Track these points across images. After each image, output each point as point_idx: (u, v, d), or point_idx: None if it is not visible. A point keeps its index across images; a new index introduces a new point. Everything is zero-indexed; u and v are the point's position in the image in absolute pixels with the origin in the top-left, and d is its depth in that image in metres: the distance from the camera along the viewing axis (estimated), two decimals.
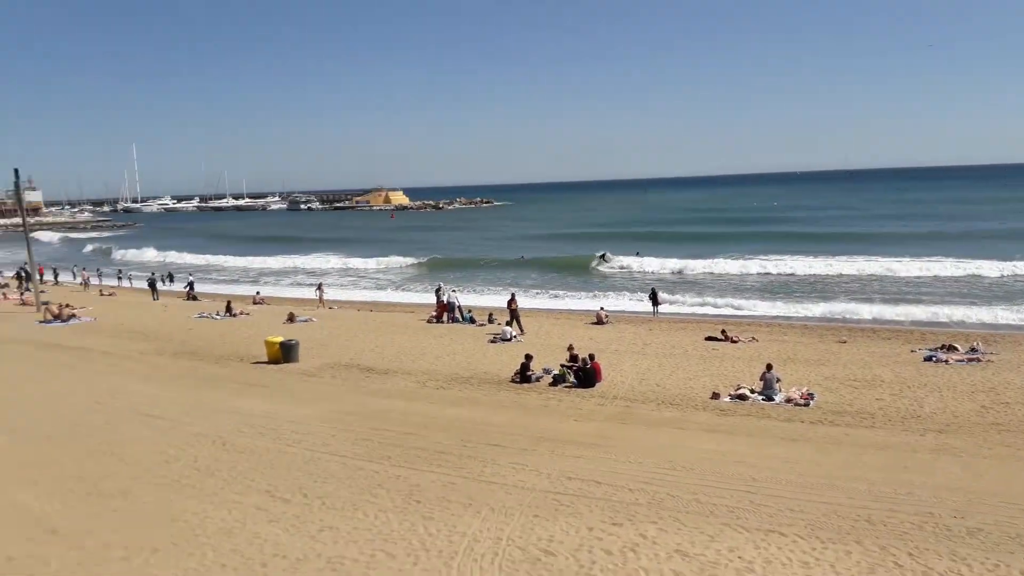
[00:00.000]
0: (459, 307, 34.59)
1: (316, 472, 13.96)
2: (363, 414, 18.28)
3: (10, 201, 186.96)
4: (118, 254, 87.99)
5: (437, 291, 38.02)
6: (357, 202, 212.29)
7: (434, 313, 34.64)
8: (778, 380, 19.63)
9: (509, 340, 28.05)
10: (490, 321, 32.75)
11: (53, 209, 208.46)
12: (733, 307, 37.74)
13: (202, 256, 78.80)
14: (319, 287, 42.86)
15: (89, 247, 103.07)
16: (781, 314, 35.30)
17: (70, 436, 16.54)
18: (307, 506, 12.29)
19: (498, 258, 66.13)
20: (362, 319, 35.50)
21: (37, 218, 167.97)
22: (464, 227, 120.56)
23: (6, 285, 51.20)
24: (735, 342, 27.13)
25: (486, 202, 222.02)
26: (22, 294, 44.86)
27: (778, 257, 55.73)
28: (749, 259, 55.12)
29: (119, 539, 11.15)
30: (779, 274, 49.45)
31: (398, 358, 25.56)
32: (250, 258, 74.01)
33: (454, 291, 37.31)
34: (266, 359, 25.36)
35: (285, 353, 25.12)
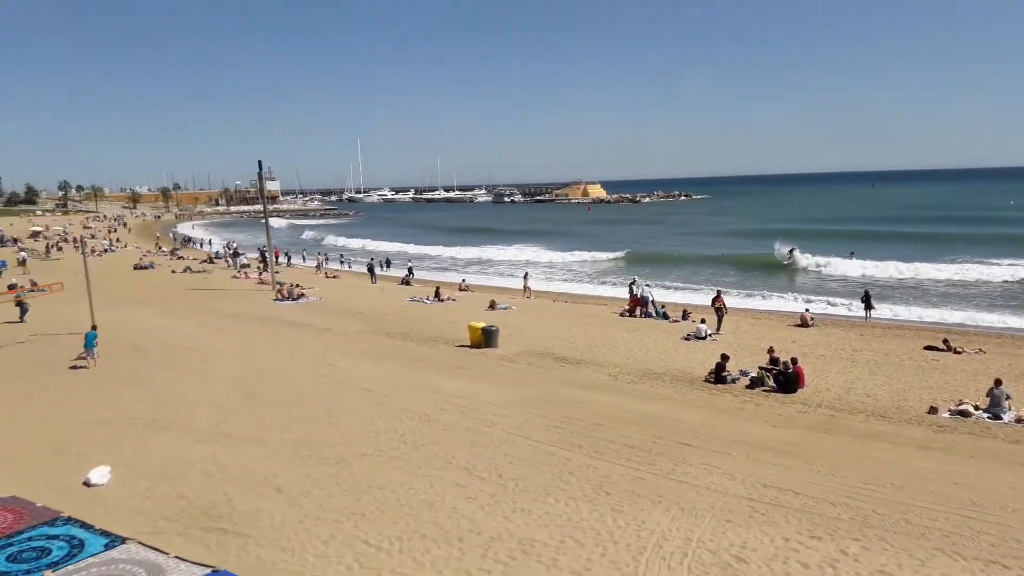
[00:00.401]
0: (653, 302, 34.11)
1: (511, 454, 14.36)
2: (556, 402, 18.56)
3: (253, 190, 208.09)
4: (335, 240, 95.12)
5: (631, 285, 37.73)
6: (556, 195, 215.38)
7: (627, 307, 34.41)
8: (1008, 397, 17.60)
9: (704, 338, 27.29)
10: (684, 318, 32.02)
11: (288, 197, 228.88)
12: (958, 315, 34.29)
13: (413, 245, 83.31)
14: (526, 276, 43.73)
15: (308, 233, 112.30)
16: (1014, 326, 31.58)
17: (295, 403, 18.15)
18: (502, 486, 12.68)
19: (695, 254, 64.53)
20: (558, 309, 36.00)
21: (274, 205, 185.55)
22: (659, 221, 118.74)
23: (247, 265, 56.98)
24: (959, 353, 24.64)
25: (684, 195, 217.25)
26: (260, 274, 49.73)
27: (1013, 261, 49.95)
28: (977, 263, 49.83)
29: (333, 502, 12.10)
30: (1014, 281, 44.15)
31: (591, 350, 25.66)
32: (457, 248, 77.26)
33: (648, 285, 36.86)
34: (469, 343, 26.41)
35: (486, 338, 26.03)
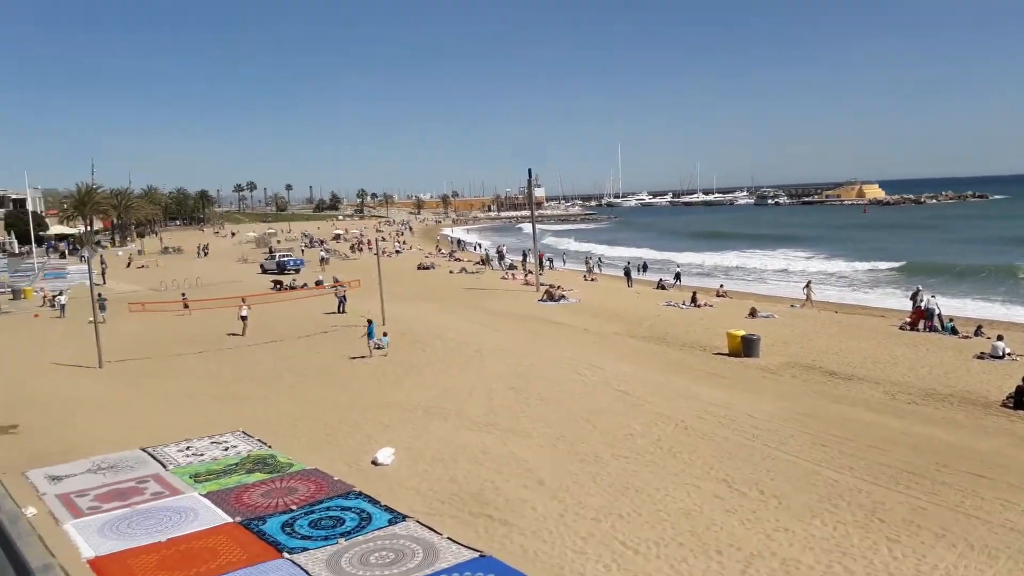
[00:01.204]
0: (939, 315, 30.58)
1: (773, 470, 13.65)
2: (823, 418, 17.32)
3: (521, 196, 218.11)
4: (594, 245, 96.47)
5: (914, 295, 34.14)
6: (827, 196, 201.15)
7: (908, 319, 31.17)
8: None
9: (1001, 358, 23.96)
10: (976, 333, 28.34)
11: (552, 203, 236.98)
12: None
13: (668, 251, 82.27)
14: (808, 285, 40.84)
15: (568, 237, 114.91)
16: None
17: (557, 400, 18.71)
18: (763, 503, 12.09)
19: (990, 263, 56.85)
20: (826, 320, 33.57)
21: (540, 211, 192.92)
22: (946, 225, 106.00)
23: (514, 267, 59.82)
24: None
25: (978, 196, 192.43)
26: (526, 276, 51.98)
27: None
28: None
29: (591, 500, 12.29)
30: None
31: (864, 364, 23.61)
32: (713, 253, 75.04)
33: (933, 297, 33.08)
34: (727, 351, 25.55)
35: (746, 347, 25.01)
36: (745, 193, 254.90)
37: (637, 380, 21.06)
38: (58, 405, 19.50)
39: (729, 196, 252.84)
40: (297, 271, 58.20)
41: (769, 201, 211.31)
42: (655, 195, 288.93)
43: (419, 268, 59.73)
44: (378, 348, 24.78)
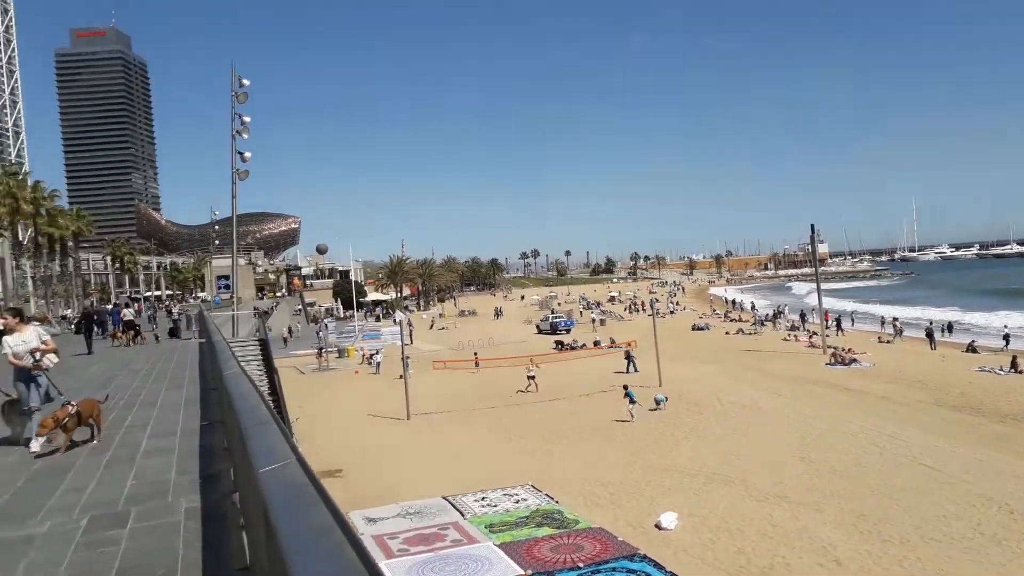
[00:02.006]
0: None
1: None
2: None
3: (801, 253, 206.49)
4: (884, 305, 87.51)
5: None
6: None
7: None
8: None
9: None
10: None
11: (836, 259, 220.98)
12: None
13: (977, 310, 72.21)
14: None
15: (855, 297, 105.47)
16: None
17: (852, 473, 17.11)
18: None
19: None
20: None
21: (823, 268, 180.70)
22: None
23: (796, 328, 56.42)
24: None
25: None
26: (810, 337, 48.70)
27: None
28: None
29: None
30: None
31: None
32: None
33: None
34: None
35: None
36: None
37: (948, 455, 18.59)
38: (374, 452, 21.81)
39: None
40: (568, 331, 60.67)
41: None
42: (957, 247, 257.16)
43: (693, 329, 58.62)
44: (657, 404, 24.74)
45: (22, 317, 9.06)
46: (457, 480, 17.88)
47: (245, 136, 26.30)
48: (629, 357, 35.41)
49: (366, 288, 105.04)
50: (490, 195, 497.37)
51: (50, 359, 8.67)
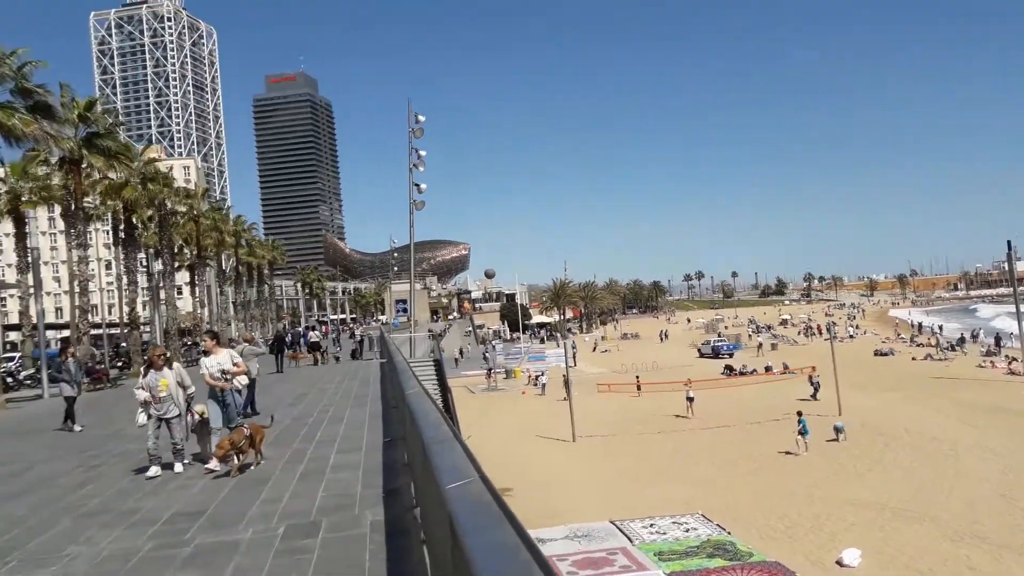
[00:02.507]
0: None
1: None
2: None
3: (996, 272, 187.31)
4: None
5: None
6: None
7: None
8: None
9: None
10: None
11: None
12: None
13: None
14: None
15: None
16: None
17: None
18: None
19: None
20: None
21: (1022, 288, 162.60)
22: None
23: (993, 353, 51.01)
24: None
25: None
26: (1009, 363, 43.88)
27: None
28: None
29: None
30: None
31: None
32: None
33: None
34: None
35: None
36: None
37: None
38: (541, 472, 21.96)
39: None
40: (731, 355, 58.58)
41: None
42: None
43: (876, 354, 54.49)
44: (837, 433, 23.18)
45: (219, 340, 9.75)
46: (623, 504, 17.62)
47: (421, 169, 27.68)
48: (813, 382, 33.44)
49: (531, 311, 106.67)
50: (653, 216, 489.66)
51: (240, 381, 9.25)
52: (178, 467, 8.47)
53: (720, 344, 62.90)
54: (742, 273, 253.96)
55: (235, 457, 7.96)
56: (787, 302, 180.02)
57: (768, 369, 45.16)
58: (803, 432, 22.82)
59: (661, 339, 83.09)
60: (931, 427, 25.14)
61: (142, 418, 8.55)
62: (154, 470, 8.23)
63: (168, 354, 9.92)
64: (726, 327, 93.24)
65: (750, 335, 77.95)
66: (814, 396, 31.97)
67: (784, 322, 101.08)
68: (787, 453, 22.61)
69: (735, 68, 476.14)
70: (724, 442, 25.27)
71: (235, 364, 9.08)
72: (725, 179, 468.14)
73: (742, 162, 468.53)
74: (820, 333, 72.22)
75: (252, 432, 8.22)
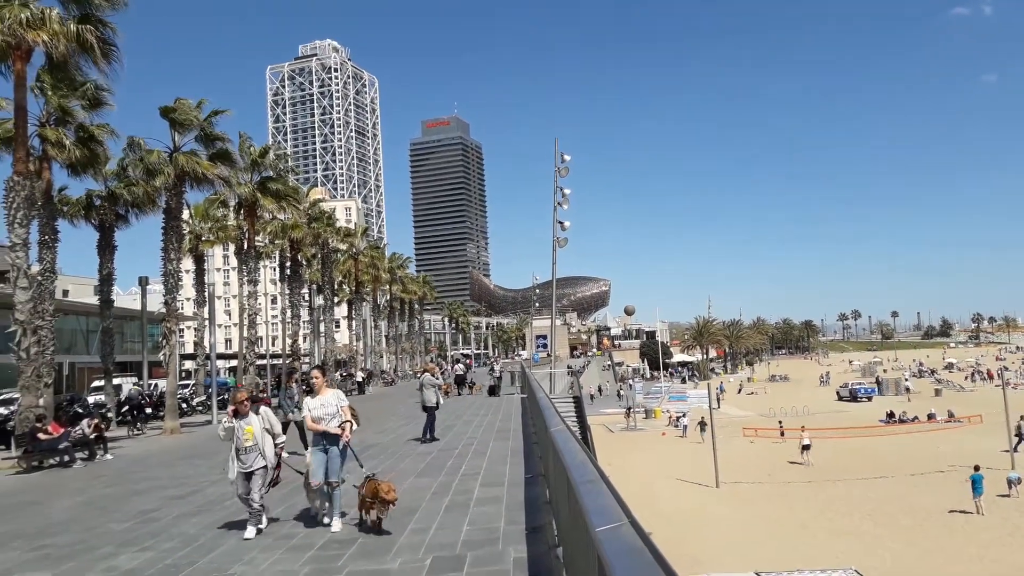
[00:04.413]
0: None
1: None
2: None
3: None
4: None
5: None
6: None
7: None
8: None
9: None
10: None
11: None
12: None
13: None
14: None
15: None
16: None
17: None
18: None
19: None
20: None
21: None
22: None
23: None
24: None
25: None
26: None
27: None
28: None
29: None
30: None
31: None
32: None
33: None
34: None
35: None
36: None
37: None
38: (682, 518, 21.21)
39: None
40: (869, 399, 56.67)
41: None
42: None
43: None
44: (1009, 489, 20.91)
45: (325, 376, 7.91)
46: (766, 556, 16.68)
47: (565, 207, 27.90)
48: (1022, 432, 28.93)
49: (672, 349, 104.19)
50: (803, 251, 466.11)
51: (350, 428, 7.39)
52: (250, 532, 7.10)
53: (858, 387, 61.30)
54: (903, 313, 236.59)
55: (364, 512, 6.99)
56: (952, 344, 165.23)
57: (931, 416, 41.59)
58: (976, 489, 20.38)
59: (821, 382, 78.70)
60: None
61: (233, 471, 7.19)
62: (250, 531, 7.12)
63: (252, 395, 8.70)
64: (884, 370, 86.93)
65: (906, 379, 72.14)
66: (1016, 448, 27.85)
67: (950, 366, 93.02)
68: (963, 512, 20.42)
69: (895, 102, 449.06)
70: (881, 494, 23.45)
71: (341, 408, 7.37)
72: (885, 214, 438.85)
73: (900, 193, 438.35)
74: (991, 378, 65.85)
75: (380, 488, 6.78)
